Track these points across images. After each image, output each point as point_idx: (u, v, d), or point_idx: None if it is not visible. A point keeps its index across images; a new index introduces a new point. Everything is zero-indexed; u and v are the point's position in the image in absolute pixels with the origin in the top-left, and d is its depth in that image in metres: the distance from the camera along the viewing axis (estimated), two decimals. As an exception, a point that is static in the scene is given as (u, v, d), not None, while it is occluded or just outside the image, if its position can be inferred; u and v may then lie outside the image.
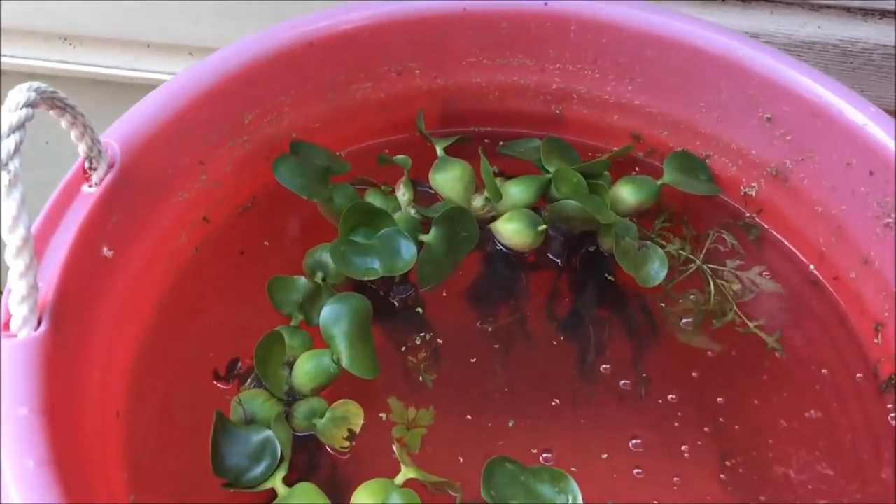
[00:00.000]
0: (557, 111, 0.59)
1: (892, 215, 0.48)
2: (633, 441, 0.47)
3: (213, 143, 0.51)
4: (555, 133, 0.59)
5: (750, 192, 0.56)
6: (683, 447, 0.46)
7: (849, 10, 0.70)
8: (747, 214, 0.56)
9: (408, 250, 0.48)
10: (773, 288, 0.53)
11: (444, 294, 0.52)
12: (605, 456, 0.46)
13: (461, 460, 0.45)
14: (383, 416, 0.46)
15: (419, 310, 0.51)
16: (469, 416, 0.47)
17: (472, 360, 0.50)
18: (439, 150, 0.54)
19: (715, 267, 0.54)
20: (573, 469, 0.44)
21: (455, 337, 0.51)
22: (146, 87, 0.71)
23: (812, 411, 0.48)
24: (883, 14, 0.70)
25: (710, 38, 0.53)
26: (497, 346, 0.51)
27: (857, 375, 0.50)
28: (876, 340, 0.50)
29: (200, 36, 0.74)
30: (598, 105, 0.58)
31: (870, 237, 0.50)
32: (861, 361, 0.50)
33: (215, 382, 0.47)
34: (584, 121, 0.59)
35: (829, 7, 0.70)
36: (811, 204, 0.53)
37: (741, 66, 0.52)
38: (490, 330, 0.51)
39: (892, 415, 0.48)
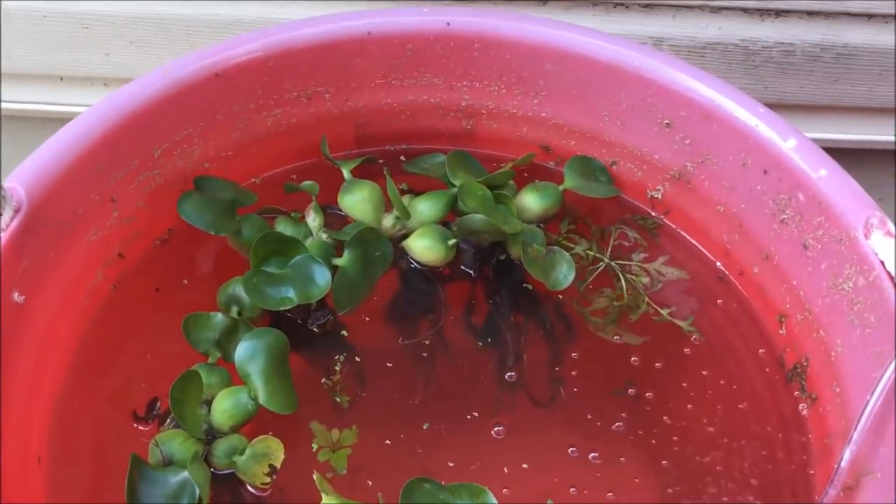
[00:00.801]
0: (469, 126, 0.60)
1: (787, 212, 0.50)
2: (570, 449, 0.48)
3: (123, 180, 0.51)
4: (468, 147, 0.61)
5: (656, 195, 0.58)
6: (622, 458, 0.48)
7: (746, 11, 0.73)
8: (654, 215, 0.58)
9: (322, 276, 0.49)
10: (678, 275, 0.55)
11: (365, 315, 0.53)
12: (525, 466, 0.47)
13: (388, 478, 0.46)
14: (315, 446, 0.47)
15: (343, 332, 0.52)
16: (396, 433, 0.48)
17: (397, 378, 0.51)
18: (346, 173, 0.54)
19: (622, 263, 0.56)
20: (505, 470, 0.46)
21: (378, 356, 0.52)
22: (64, 120, 0.71)
23: (727, 403, 0.50)
24: (778, 13, 0.73)
25: (607, 49, 0.54)
26: (420, 360, 0.52)
27: (754, 364, 0.52)
28: (781, 331, 0.52)
29: (113, 67, 0.73)
30: (507, 119, 0.59)
31: (768, 233, 0.52)
32: (769, 352, 0.52)
33: (135, 424, 0.47)
34: (494, 135, 0.60)
35: (728, 9, 0.73)
36: (713, 204, 0.55)
37: (638, 75, 0.54)
38: (412, 346, 0.52)
39: (802, 405, 0.50)
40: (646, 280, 0.55)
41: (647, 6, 0.72)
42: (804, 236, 0.50)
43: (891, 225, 0.46)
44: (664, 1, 0.72)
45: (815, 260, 0.49)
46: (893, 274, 0.43)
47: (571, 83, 0.57)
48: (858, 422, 0.41)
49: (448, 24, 0.56)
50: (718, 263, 0.56)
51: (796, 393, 0.50)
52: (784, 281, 0.52)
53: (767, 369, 0.52)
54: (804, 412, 0.50)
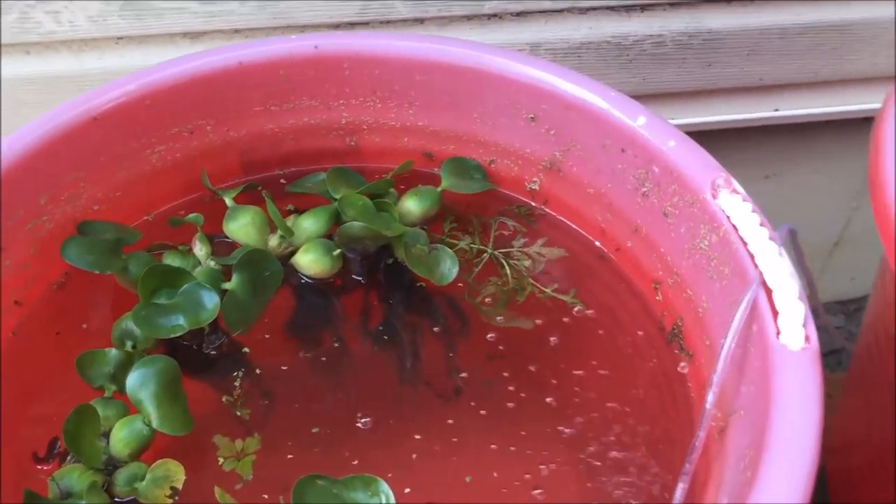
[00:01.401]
0: (352, 143, 0.63)
1: (646, 185, 0.53)
2: (474, 434, 0.50)
3: (11, 229, 0.53)
4: (356, 163, 0.63)
5: (534, 187, 0.61)
6: (522, 432, 0.50)
7: (613, 9, 0.77)
8: (535, 206, 0.61)
9: (210, 300, 0.50)
10: (558, 253, 0.58)
11: (265, 333, 0.55)
12: (432, 457, 0.49)
13: (293, 481, 0.48)
14: (221, 460, 0.49)
15: (245, 350, 0.54)
16: (300, 438, 0.50)
17: (299, 387, 0.53)
18: (228, 201, 0.56)
19: (505, 251, 0.58)
20: (413, 457, 0.48)
21: (279, 369, 0.54)
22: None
23: (617, 369, 0.53)
24: (643, 7, 0.77)
25: (467, 55, 0.57)
26: (321, 369, 0.54)
27: (639, 332, 0.55)
28: (657, 297, 0.55)
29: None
30: (388, 131, 0.62)
31: (634, 207, 0.55)
32: (649, 318, 0.55)
33: (38, 466, 0.48)
34: (378, 148, 0.63)
35: (595, 9, 0.76)
36: (583, 187, 0.58)
37: (500, 76, 0.57)
38: (313, 356, 0.54)
39: (682, 363, 0.53)
40: (528, 263, 0.57)
41: (518, 14, 0.76)
42: (663, 205, 0.53)
43: (735, 184, 0.49)
44: (534, 8, 0.76)
45: (675, 225, 0.52)
46: (738, 226, 0.47)
47: (441, 91, 0.59)
48: (717, 366, 0.44)
49: (316, 47, 0.58)
50: (597, 243, 0.59)
51: (676, 352, 0.53)
52: (654, 250, 0.55)
53: (649, 334, 0.55)
54: (684, 370, 0.52)
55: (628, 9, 0.77)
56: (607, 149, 0.55)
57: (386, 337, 0.55)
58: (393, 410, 0.52)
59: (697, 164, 0.50)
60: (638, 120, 0.53)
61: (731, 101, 0.86)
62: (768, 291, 0.44)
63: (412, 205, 0.57)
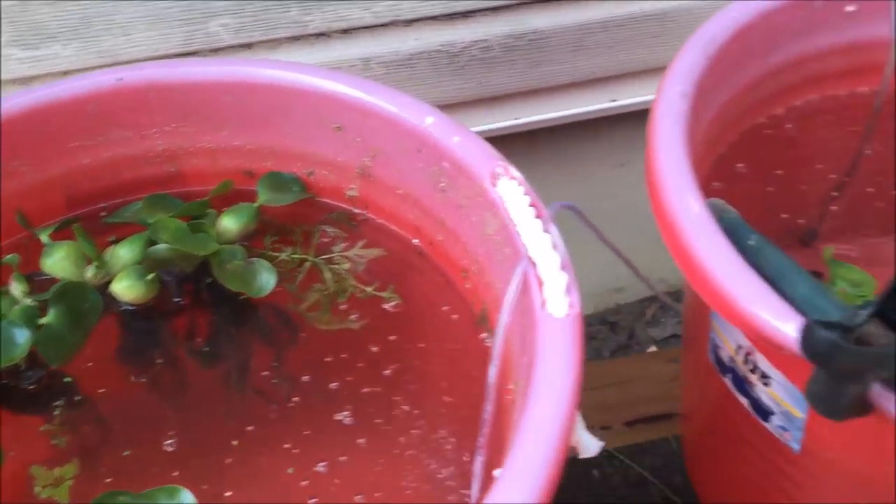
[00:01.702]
0: (173, 169, 0.64)
1: (442, 181, 0.56)
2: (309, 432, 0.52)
3: None
4: (180, 188, 0.65)
5: (354, 194, 0.63)
6: (347, 423, 0.52)
7: (436, 19, 0.80)
8: (358, 212, 0.64)
9: (21, 336, 0.51)
10: (377, 253, 0.60)
11: (89, 361, 0.56)
12: (268, 466, 0.51)
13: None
14: (39, 489, 0.50)
15: (67, 379, 0.55)
16: (118, 465, 0.51)
17: (121, 412, 0.54)
18: (44, 238, 0.58)
19: (326, 257, 0.61)
20: (241, 472, 0.49)
21: (103, 396, 0.55)
22: None
23: (438, 355, 0.56)
24: (465, 15, 0.80)
25: (266, 74, 0.60)
26: (145, 392, 0.55)
27: (454, 317, 0.57)
28: (467, 285, 0.58)
29: None
30: (205, 154, 0.64)
31: (437, 203, 0.58)
32: (462, 305, 0.58)
33: None
34: (199, 171, 0.64)
35: (418, 20, 0.79)
36: (393, 189, 0.60)
37: (300, 90, 0.59)
38: (136, 381, 0.55)
39: (483, 335, 0.55)
40: (347, 266, 0.60)
41: (345, 32, 0.79)
42: (458, 198, 0.55)
43: (513, 170, 0.52)
44: (358, 24, 0.78)
45: (468, 216, 0.55)
46: (510, 209, 0.49)
47: (251, 110, 0.61)
48: (495, 340, 0.46)
49: (119, 79, 0.60)
50: (415, 240, 0.61)
51: (484, 335, 0.56)
52: (458, 241, 0.57)
53: (463, 319, 0.57)
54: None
55: (451, 17, 0.80)
56: (405, 151, 0.58)
57: (211, 352, 0.57)
58: (215, 422, 0.53)
59: (479, 156, 0.53)
60: (426, 121, 0.55)
61: (570, 96, 0.90)
62: (533, 265, 0.47)
63: (229, 222, 0.59)
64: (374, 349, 0.56)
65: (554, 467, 0.39)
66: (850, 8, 0.67)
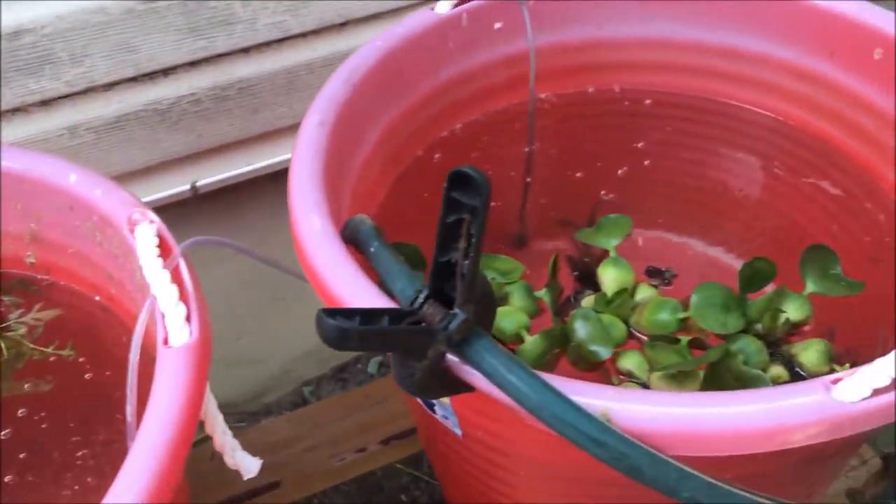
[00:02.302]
0: None
1: (97, 235, 0.58)
2: None
3: None
4: None
5: (31, 260, 0.63)
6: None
7: (135, 80, 0.81)
8: (42, 277, 0.64)
9: None
10: (52, 314, 0.61)
11: None
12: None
13: None
14: None
15: None
16: None
17: None
18: None
19: (3, 325, 0.61)
20: None
21: None
22: None
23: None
24: (166, 72, 0.82)
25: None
26: None
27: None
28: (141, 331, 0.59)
29: None
30: None
31: (100, 257, 0.59)
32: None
33: None
34: None
35: (116, 83, 0.81)
36: (66, 249, 0.61)
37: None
38: None
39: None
40: (23, 331, 0.60)
41: (43, 104, 0.79)
42: (112, 248, 0.57)
43: (151, 214, 0.54)
44: (54, 95, 0.79)
45: (124, 264, 0.56)
46: (139, 252, 0.51)
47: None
48: (129, 377, 0.48)
49: None
50: (96, 297, 0.62)
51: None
52: (124, 291, 0.58)
53: (143, 362, 0.59)
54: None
55: (150, 76, 0.82)
56: (62, 210, 0.59)
57: None
58: None
59: (118, 206, 0.55)
60: (70, 178, 0.57)
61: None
62: (155, 300, 0.49)
63: None
64: (58, 406, 0.57)
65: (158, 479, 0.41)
66: (497, 25, 0.73)
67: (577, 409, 0.41)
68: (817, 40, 0.69)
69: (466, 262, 0.41)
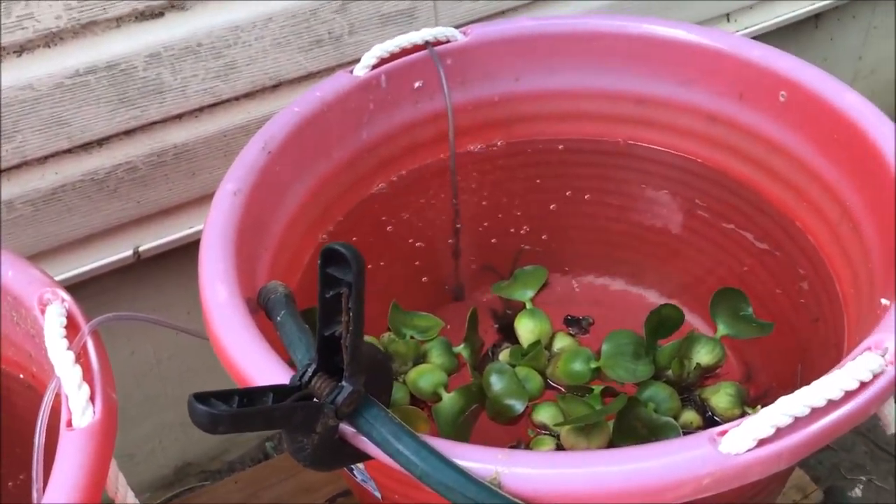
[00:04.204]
0: None
1: (14, 314, 0.58)
2: None
3: None
4: None
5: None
6: None
7: (70, 151, 0.82)
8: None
9: None
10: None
11: None
12: None
13: None
14: None
15: None
16: None
17: None
18: None
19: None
20: None
21: None
22: None
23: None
24: (101, 142, 0.83)
25: None
26: None
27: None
28: (62, 410, 0.60)
29: None
30: None
31: (20, 337, 0.59)
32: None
33: None
34: None
35: (50, 156, 0.81)
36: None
37: None
38: None
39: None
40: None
41: None
42: (28, 328, 0.57)
43: (62, 293, 0.55)
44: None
45: (40, 345, 0.57)
46: (45, 333, 0.52)
47: None
48: (34, 459, 0.48)
49: None
50: (21, 375, 0.63)
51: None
52: (43, 371, 0.59)
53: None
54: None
55: (86, 147, 0.83)
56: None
57: None
58: None
59: (29, 287, 0.55)
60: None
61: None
62: (59, 382, 0.49)
63: None
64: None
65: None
66: (417, 84, 0.75)
67: (464, 475, 0.41)
68: (726, 83, 0.70)
69: (349, 334, 0.42)
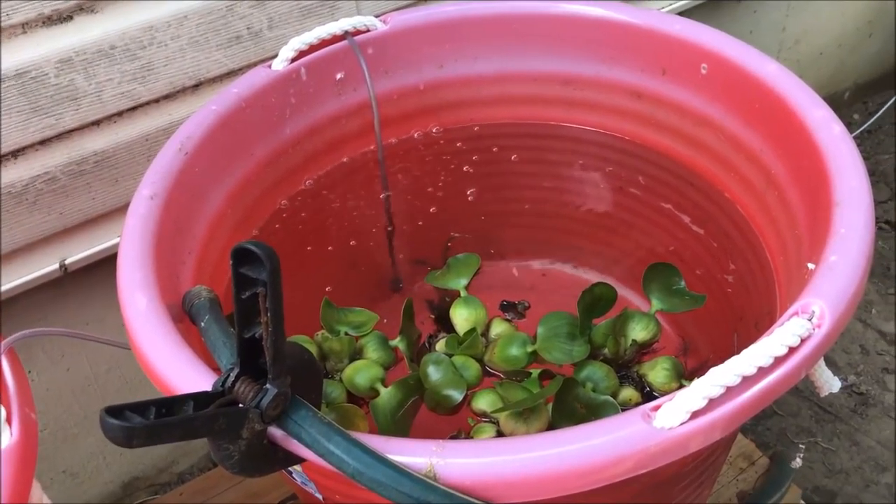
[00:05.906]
0: None
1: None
2: None
3: None
4: None
5: None
6: None
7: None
8: None
9: None
10: None
11: None
12: None
13: None
14: None
15: None
16: None
17: None
18: None
19: None
20: None
21: None
22: None
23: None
24: (16, 155, 0.80)
25: None
26: None
27: None
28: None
29: None
30: None
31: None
32: None
33: None
34: None
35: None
36: None
37: None
38: None
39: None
40: None
41: None
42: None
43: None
44: None
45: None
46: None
47: None
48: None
49: None
50: None
51: None
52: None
53: None
54: None
55: (0, 160, 0.80)
56: None
57: None
58: None
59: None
60: None
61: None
62: (-29, 407, 0.47)
63: None
64: None
65: None
66: (339, 75, 0.73)
67: (397, 470, 0.40)
68: (648, 59, 0.70)
69: (269, 335, 0.40)
